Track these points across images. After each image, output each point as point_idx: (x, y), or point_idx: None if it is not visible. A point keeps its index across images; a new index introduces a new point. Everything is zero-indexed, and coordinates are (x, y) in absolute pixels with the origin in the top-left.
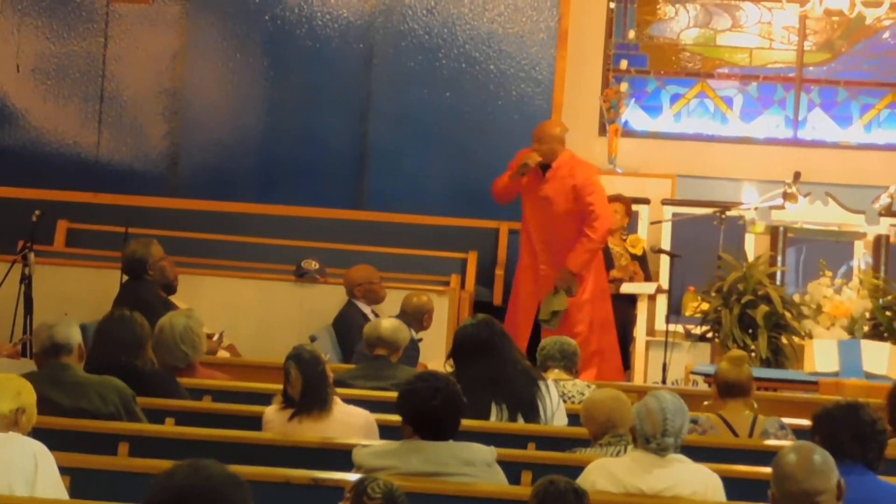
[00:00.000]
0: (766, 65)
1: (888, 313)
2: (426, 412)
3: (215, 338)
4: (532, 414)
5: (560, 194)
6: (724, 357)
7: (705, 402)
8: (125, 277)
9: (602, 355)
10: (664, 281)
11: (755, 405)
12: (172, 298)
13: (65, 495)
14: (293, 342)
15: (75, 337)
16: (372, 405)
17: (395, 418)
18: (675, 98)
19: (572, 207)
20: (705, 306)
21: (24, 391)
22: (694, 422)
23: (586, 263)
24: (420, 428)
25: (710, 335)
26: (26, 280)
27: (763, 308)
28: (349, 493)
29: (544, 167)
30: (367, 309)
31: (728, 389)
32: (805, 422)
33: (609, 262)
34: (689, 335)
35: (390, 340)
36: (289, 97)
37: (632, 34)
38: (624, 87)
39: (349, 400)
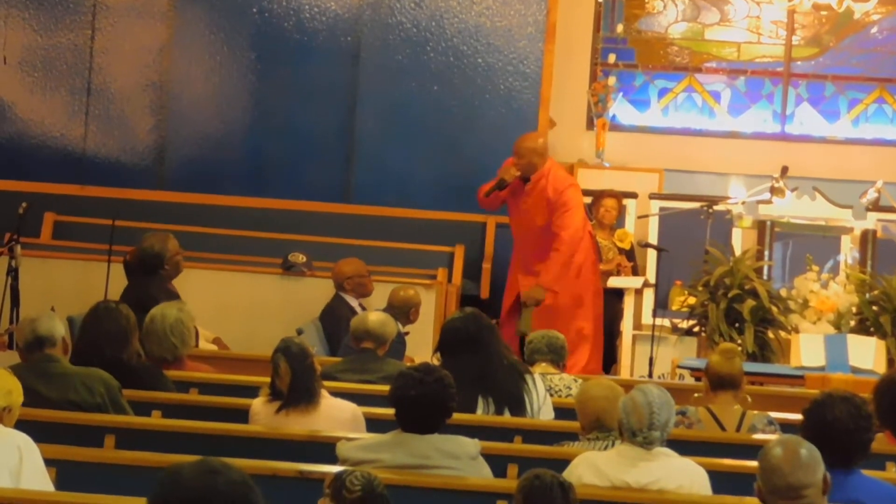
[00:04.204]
0: (754, 59)
1: (874, 308)
2: (402, 403)
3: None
4: (518, 408)
5: (538, 208)
6: (717, 350)
7: (696, 395)
8: (130, 271)
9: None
10: (651, 275)
11: (748, 399)
12: None
13: (50, 487)
14: (280, 335)
15: (58, 330)
16: (359, 398)
17: (382, 411)
18: (662, 92)
19: (549, 222)
20: (692, 300)
21: (15, 391)
22: (682, 413)
23: (558, 277)
24: (399, 418)
25: (696, 329)
26: (13, 272)
27: (750, 302)
28: (328, 487)
29: (526, 179)
30: (354, 302)
31: (719, 382)
32: (791, 416)
33: (597, 256)
34: (675, 329)
35: (377, 334)
36: (276, 90)
37: (620, 28)
38: (612, 81)
39: (336, 393)
